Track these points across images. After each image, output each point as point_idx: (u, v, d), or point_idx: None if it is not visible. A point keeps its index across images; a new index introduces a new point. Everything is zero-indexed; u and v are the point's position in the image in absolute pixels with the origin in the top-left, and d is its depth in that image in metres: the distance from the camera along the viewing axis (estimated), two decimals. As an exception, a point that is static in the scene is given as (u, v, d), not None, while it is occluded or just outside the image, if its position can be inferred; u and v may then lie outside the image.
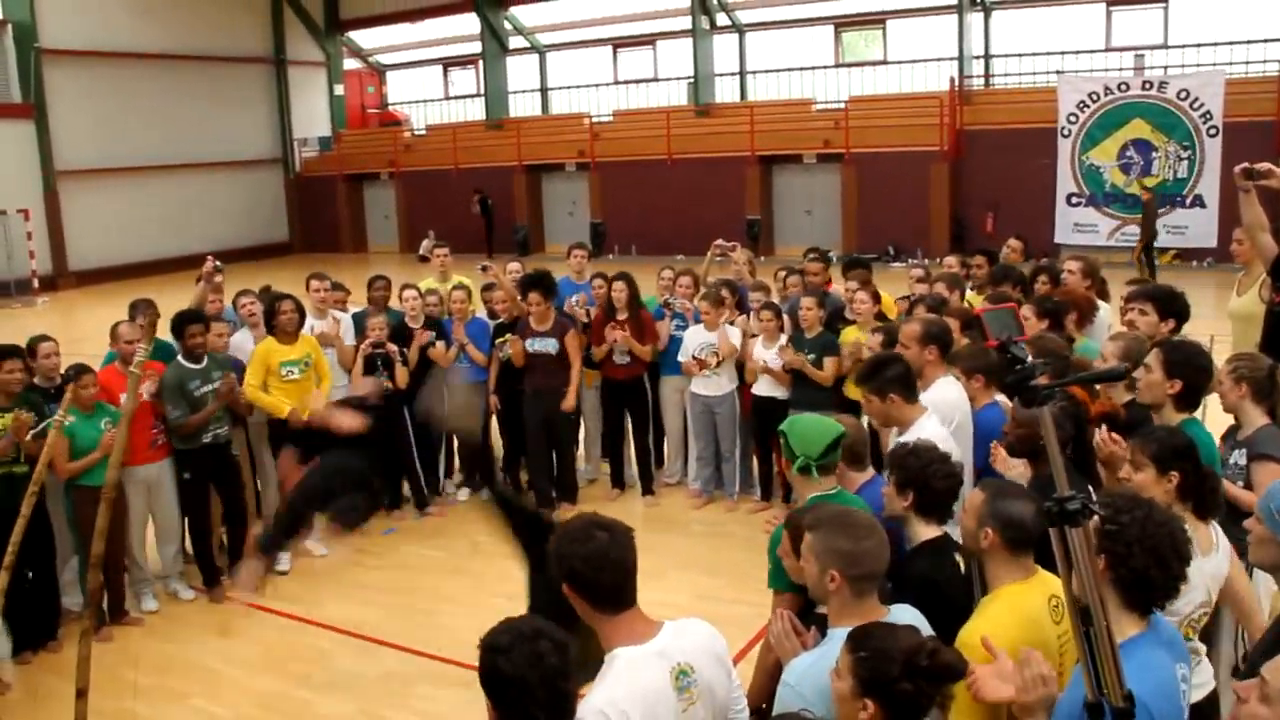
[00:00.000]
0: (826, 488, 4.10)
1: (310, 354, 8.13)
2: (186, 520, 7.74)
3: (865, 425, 4.99)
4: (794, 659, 3.13)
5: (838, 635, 3.04)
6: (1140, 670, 2.45)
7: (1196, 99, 20.76)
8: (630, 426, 9.44)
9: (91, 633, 4.24)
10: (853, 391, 7.94)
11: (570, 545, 2.93)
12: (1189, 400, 4.58)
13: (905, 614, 3.21)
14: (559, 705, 2.58)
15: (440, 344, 9.00)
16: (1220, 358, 5.19)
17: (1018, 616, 3.17)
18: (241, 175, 31.87)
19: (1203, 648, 3.75)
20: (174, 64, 29.35)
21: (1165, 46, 24.15)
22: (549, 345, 8.76)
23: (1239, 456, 4.64)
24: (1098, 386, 5.38)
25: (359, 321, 8.95)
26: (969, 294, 8.27)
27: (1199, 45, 23.11)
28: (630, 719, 2.76)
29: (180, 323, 7.57)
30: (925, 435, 4.72)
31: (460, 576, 7.86)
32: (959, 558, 3.72)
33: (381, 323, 8.74)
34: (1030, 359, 2.52)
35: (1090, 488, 4.09)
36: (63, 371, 7.20)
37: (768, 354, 8.34)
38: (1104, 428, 4.51)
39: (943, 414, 5.16)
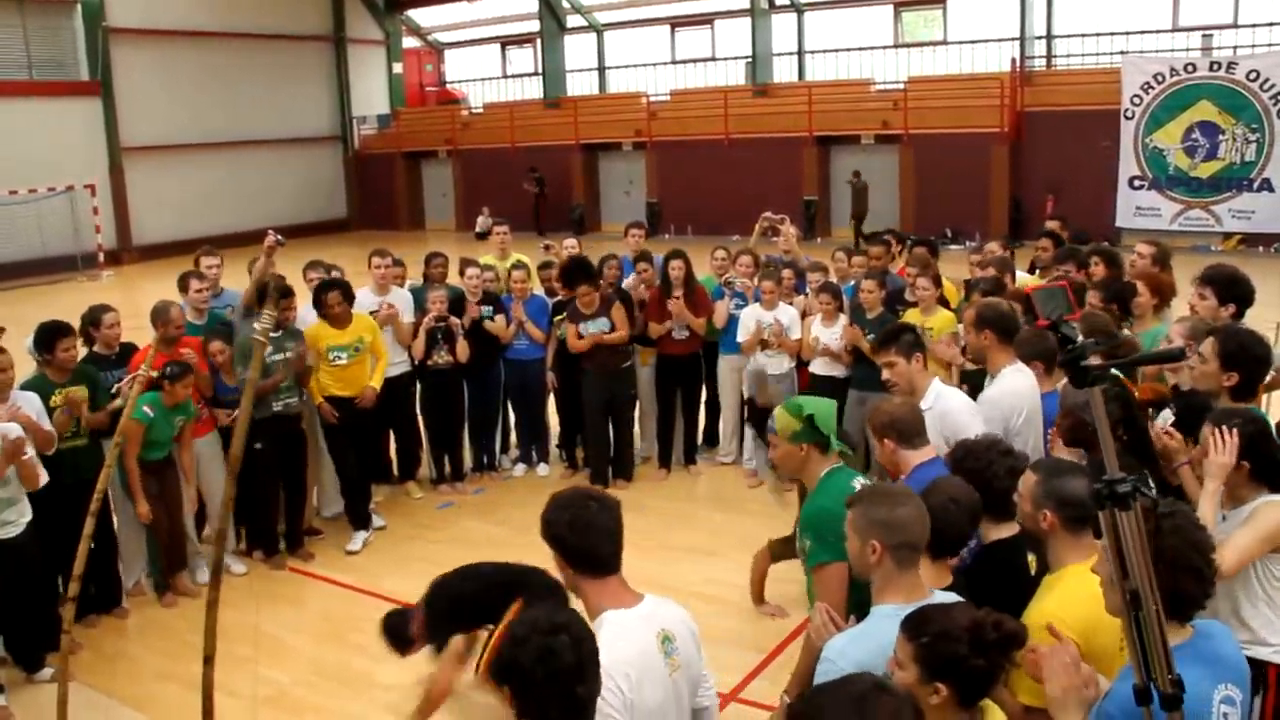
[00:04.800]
0: (833, 463, 4.09)
1: (363, 337, 8.13)
2: (256, 489, 7.69)
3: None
4: (834, 637, 3.14)
5: (881, 612, 3.06)
6: None
7: (1267, 79, 20.30)
8: (680, 405, 9.47)
9: (216, 605, 4.34)
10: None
11: (558, 511, 3.07)
12: (1245, 391, 4.41)
13: (947, 597, 3.20)
14: (569, 706, 2.50)
15: (499, 319, 9.08)
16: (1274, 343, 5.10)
17: (1083, 596, 3.10)
18: (301, 152, 32.23)
19: None
20: (236, 42, 29.69)
21: (1235, 26, 23.57)
22: (601, 325, 8.80)
23: None
24: (1142, 371, 5.32)
25: (417, 297, 9.05)
26: (1022, 277, 8.22)
27: (1270, 25, 22.52)
28: (631, 680, 2.86)
29: (266, 293, 7.73)
30: (942, 402, 4.79)
31: (520, 552, 7.88)
32: (1032, 558, 3.63)
33: (442, 296, 8.81)
34: (1082, 338, 2.48)
35: (1148, 472, 3.99)
36: (138, 360, 7.39)
37: (826, 334, 8.35)
38: (1163, 424, 4.41)
39: (1010, 405, 5.09)
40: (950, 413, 4.90)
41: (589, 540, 3.02)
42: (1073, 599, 3.15)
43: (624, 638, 2.91)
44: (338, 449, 8.23)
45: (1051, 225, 9.55)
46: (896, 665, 2.70)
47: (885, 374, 5.28)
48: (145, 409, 6.80)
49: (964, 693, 2.64)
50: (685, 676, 3.08)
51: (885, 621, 2.99)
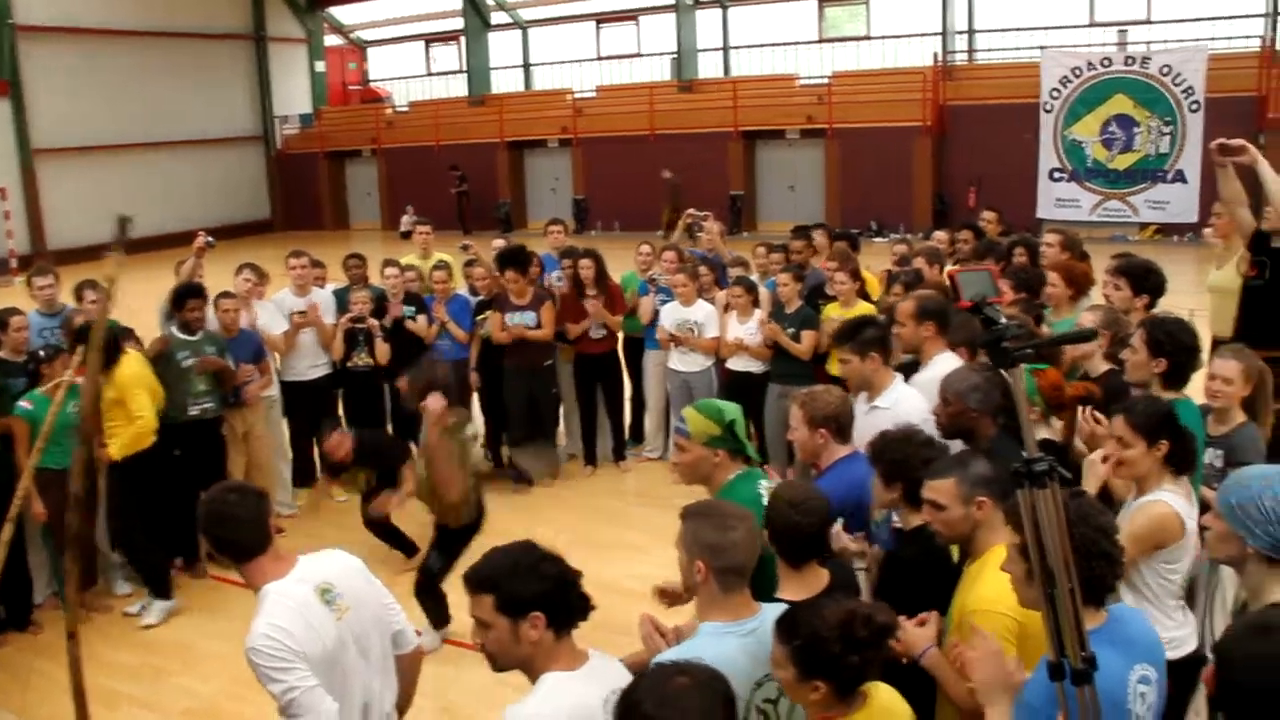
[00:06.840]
0: (739, 468, 4.06)
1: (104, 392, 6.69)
2: (174, 496, 7.26)
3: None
4: (660, 655, 3.07)
5: (705, 629, 3.08)
6: None
7: (1179, 74, 20.79)
8: (602, 401, 9.45)
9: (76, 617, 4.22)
10: (834, 367, 7.96)
11: (201, 508, 3.41)
12: (1176, 378, 4.48)
13: (775, 612, 3.19)
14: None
15: (421, 319, 8.97)
16: (1200, 331, 5.18)
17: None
18: (222, 153, 31.61)
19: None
20: (153, 41, 29.02)
21: (1148, 22, 24.14)
22: (528, 318, 8.76)
23: (1214, 458, 4.49)
24: (1071, 365, 5.39)
25: (341, 298, 8.92)
26: (949, 268, 8.28)
27: (1181, 21, 23.11)
28: (294, 635, 3.17)
29: (182, 295, 7.57)
30: (903, 405, 4.72)
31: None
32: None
33: (365, 297, 8.74)
34: (1004, 320, 2.52)
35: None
36: (31, 351, 7.14)
37: (741, 329, 8.36)
38: (1087, 410, 4.47)
39: None
40: (909, 415, 4.71)
41: (230, 530, 3.33)
42: (1005, 583, 3.09)
43: (282, 604, 3.23)
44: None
45: (989, 217, 9.64)
46: (775, 664, 2.80)
47: (840, 369, 5.31)
48: (23, 404, 6.58)
49: (842, 686, 2.72)
50: (362, 615, 3.41)
51: (710, 639, 3.01)
